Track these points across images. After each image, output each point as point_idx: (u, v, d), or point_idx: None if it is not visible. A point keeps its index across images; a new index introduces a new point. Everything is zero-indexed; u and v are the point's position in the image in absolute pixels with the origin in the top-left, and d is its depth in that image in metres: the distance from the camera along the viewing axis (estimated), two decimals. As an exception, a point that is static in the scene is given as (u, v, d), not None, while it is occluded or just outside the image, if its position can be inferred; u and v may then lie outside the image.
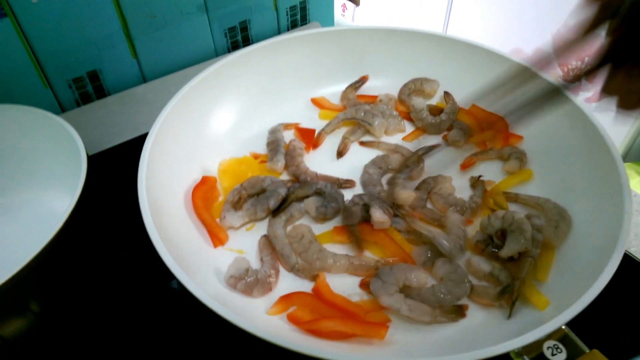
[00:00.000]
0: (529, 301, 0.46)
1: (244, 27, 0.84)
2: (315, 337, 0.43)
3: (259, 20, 0.85)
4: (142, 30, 0.74)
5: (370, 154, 0.62)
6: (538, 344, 0.40)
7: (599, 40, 0.40)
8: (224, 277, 0.48)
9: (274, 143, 0.62)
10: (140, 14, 0.72)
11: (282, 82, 0.68)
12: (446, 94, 0.67)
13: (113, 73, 0.76)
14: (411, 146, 0.62)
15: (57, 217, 0.46)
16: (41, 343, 0.49)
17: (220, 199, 0.57)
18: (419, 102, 0.66)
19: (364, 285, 0.49)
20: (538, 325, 0.40)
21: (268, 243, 0.52)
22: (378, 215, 0.51)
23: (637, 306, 0.50)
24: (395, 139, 0.64)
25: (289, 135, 0.65)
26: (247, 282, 0.47)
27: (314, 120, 0.67)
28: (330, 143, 0.65)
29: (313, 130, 0.65)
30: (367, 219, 0.52)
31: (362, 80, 0.70)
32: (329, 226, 0.54)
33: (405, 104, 0.67)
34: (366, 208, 0.53)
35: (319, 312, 0.45)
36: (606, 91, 0.40)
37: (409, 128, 0.66)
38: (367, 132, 0.65)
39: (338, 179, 0.59)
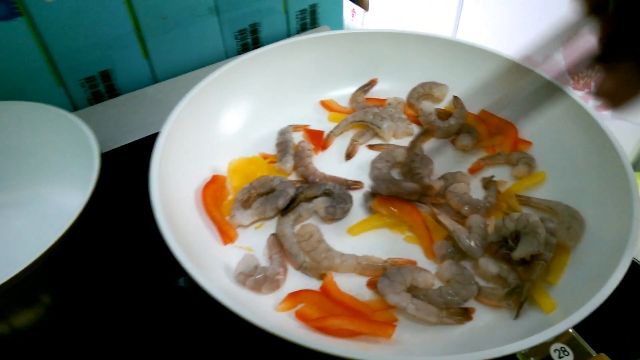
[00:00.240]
0: (536, 303, 0.46)
1: (254, 29, 0.85)
2: (323, 334, 0.43)
3: (269, 23, 0.86)
4: (154, 32, 0.75)
5: (377, 157, 0.63)
6: (545, 346, 0.40)
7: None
8: (233, 273, 0.49)
9: (283, 144, 0.62)
10: (152, 15, 0.73)
11: (291, 84, 0.69)
12: (455, 98, 0.67)
13: (125, 73, 0.77)
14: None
15: (69, 212, 0.47)
16: (51, 334, 0.50)
17: (230, 197, 0.57)
18: (427, 106, 0.66)
19: (371, 284, 0.49)
20: (544, 327, 0.40)
21: (276, 241, 0.53)
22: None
23: (644, 311, 0.51)
24: (404, 142, 0.65)
25: (297, 137, 0.65)
26: (256, 279, 0.48)
27: (322, 123, 0.67)
28: (339, 145, 0.65)
29: (322, 132, 0.65)
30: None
31: (371, 83, 0.71)
32: (338, 226, 0.55)
33: (414, 108, 0.68)
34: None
35: (327, 310, 0.46)
36: (600, 93, 0.40)
37: (417, 131, 0.66)
38: (376, 135, 0.65)
39: (346, 180, 0.59)
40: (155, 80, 0.80)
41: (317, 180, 0.58)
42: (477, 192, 0.58)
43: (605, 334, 0.46)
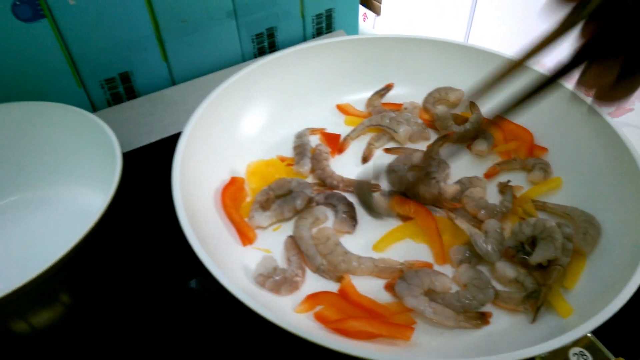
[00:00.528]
0: (552, 308, 0.46)
1: (271, 33, 0.86)
2: (342, 336, 0.44)
3: (285, 27, 0.86)
4: (173, 35, 0.76)
5: (393, 160, 0.63)
6: (564, 350, 0.41)
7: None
8: (252, 275, 0.49)
9: (300, 147, 0.63)
10: (172, 18, 0.74)
11: (308, 88, 0.69)
12: (472, 103, 0.68)
13: (144, 75, 0.78)
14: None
15: (90, 212, 0.48)
16: (69, 333, 0.51)
17: (248, 199, 0.58)
18: (443, 110, 0.67)
19: (389, 287, 0.49)
20: (561, 331, 0.41)
21: (294, 243, 0.53)
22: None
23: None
24: (420, 146, 0.65)
25: (314, 140, 0.66)
26: (276, 280, 0.48)
27: (339, 126, 0.68)
28: (355, 149, 0.66)
29: (338, 136, 0.66)
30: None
31: (387, 87, 0.71)
32: (362, 242, 0.55)
33: (429, 113, 0.68)
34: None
35: (345, 312, 0.46)
36: (581, 83, 0.43)
37: (433, 136, 0.67)
38: (392, 139, 0.66)
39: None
40: (173, 82, 0.81)
41: (335, 182, 0.59)
42: (492, 197, 0.58)
43: (624, 338, 0.46)
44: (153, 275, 0.56)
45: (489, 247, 0.50)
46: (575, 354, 0.40)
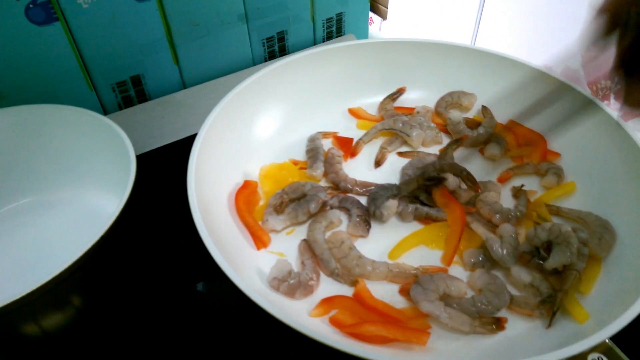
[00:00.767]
0: (568, 313, 0.46)
1: (281, 37, 0.86)
2: (357, 340, 0.44)
3: (296, 31, 0.87)
4: (185, 38, 0.76)
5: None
6: (582, 356, 0.40)
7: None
8: (267, 278, 0.49)
9: (313, 150, 0.63)
10: (184, 22, 0.75)
11: (321, 92, 0.69)
12: (484, 108, 0.68)
13: (155, 78, 0.78)
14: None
15: (102, 215, 0.48)
16: (80, 337, 0.51)
17: (262, 203, 0.58)
18: (456, 115, 0.67)
19: (404, 291, 0.49)
20: (578, 337, 0.40)
21: (308, 247, 0.53)
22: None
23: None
24: (432, 150, 0.65)
25: (327, 144, 0.66)
26: (290, 284, 0.48)
27: (351, 130, 0.68)
28: (368, 152, 0.66)
29: (351, 139, 0.66)
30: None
31: (400, 91, 0.71)
32: (377, 247, 0.54)
33: (442, 117, 0.68)
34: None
35: (360, 316, 0.46)
36: (628, 103, 0.40)
37: (445, 140, 0.67)
38: (405, 142, 0.66)
39: (377, 185, 0.60)
40: (184, 85, 0.82)
41: (349, 186, 0.59)
42: (506, 201, 0.58)
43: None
44: (162, 278, 0.56)
45: (504, 252, 0.50)
46: (594, 359, 0.40)
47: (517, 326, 0.47)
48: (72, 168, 0.61)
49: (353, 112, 0.70)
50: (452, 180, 0.56)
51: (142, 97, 0.79)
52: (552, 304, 0.46)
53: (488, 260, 0.51)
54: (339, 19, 0.90)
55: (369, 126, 0.67)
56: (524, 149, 0.63)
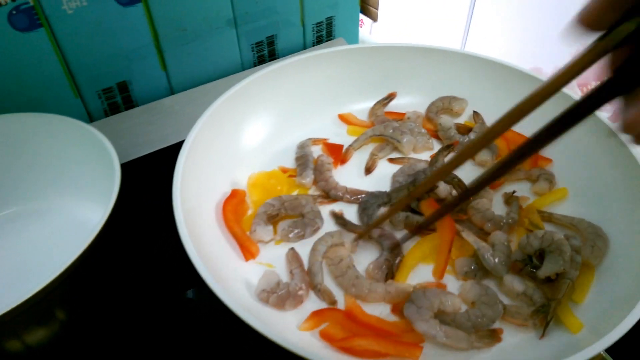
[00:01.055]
0: (561, 323, 0.45)
1: (271, 41, 0.85)
2: (348, 355, 0.43)
3: (285, 35, 0.86)
4: (172, 43, 0.75)
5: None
6: (576, 368, 0.40)
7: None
8: (255, 291, 0.48)
9: (302, 158, 0.62)
10: (172, 27, 0.74)
11: (310, 97, 0.68)
12: (475, 113, 0.67)
13: (142, 84, 0.77)
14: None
15: (88, 224, 0.47)
16: (65, 351, 0.50)
17: (250, 212, 0.57)
18: (446, 120, 0.66)
19: (397, 310, 0.48)
20: (572, 347, 0.40)
21: (296, 256, 0.52)
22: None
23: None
24: (424, 156, 0.64)
25: (316, 151, 0.65)
26: (279, 295, 0.47)
27: (341, 136, 0.67)
28: (358, 159, 0.65)
29: (341, 146, 0.65)
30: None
31: (390, 96, 0.71)
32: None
33: (432, 122, 0.68)
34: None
35: (351, 329, 0.45)
36: (626, 128, 0.34)
37: (436, 146, 0.66)
38: (395, 149, 0.65)
39: (367, 193, 0.59)
40: (171, 91, 0.80)
41: (339, 194, 0.58)
42: (497, 208, 0.57)
43: (635, 354, 0.45)
44: (150, 286, 0.55)
45: (497, 261, 0.49)
46: (588, 372, 0.39)
47: (511, 337, 0.46)
48: (56, 177, 0.60)
49: (343, 118, 0.69)
50: (443, 188, 0.56)
51: (129, 103, 0.78)
52: (545, 313, 0.45)
53: (480, 269, 0.51)
54: (329, 23, 0.89)
55: (359, 132, 0.66)
56: (515, 155, 0.62)
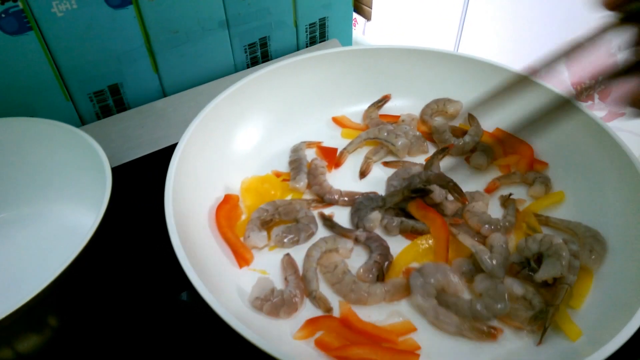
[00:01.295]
0: (559, 329, 0.45)
1: (264, 43, 0.84)
2: (344, 363, 0.42)
3: (278, 37, 0.85)
4: (164, 46, 0.74)
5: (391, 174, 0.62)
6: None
7: (611, 56, 0.38)
8: (249, 298, 0.48)
9: (296, 162, 0.61)
10: (163, 29, 0.73)
11: (304, 100, 0.68)
12: (470, 116, 0.66)
13: (134, 87, 0.76)
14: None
15: (79, 229, 0.46)
16: (57, 358, 0.49)
17: (243, 217, 0.56)
18: (441, 123, 0.65)
19: (407, 274, 0.49)
20: (569, 355, 0.40)
21: (291, 262, 0.52)
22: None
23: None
24: (419, 160, 0.64)
25: (310, 154, 0.64)
26: (273, 302, 0.46)
27: (335, 139, 0.67)
28: (352, 162, 0.64)
29: (335, 149, 0.64)
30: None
31: (385, 99, 0.70)
32: None
33: (427, 125, 0.67)
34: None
35: (347, 337, 0.44)
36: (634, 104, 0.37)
37: (431, 149, 0.65)
38: (390, 152, 0.64)
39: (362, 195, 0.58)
40: (164, 94, 0.79)
41: (334, 197, 0.57)
42: (493, 211, 0.57)
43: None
44: (144, 289, 0.54)
45: (495, 263, 0.49)
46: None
47: (508, 343, 0.46)
48: (46, 182, 0.59)
49: (337, 121, 0.69)
50: (438, 192, 0.55)
51: (121, 106, 0.77)
52: (543, 320, 0.45)
53: (477, 271, 0.50)
54: (322, 23, 0.88)
55: (353, 135, 0.66)
56: (511, 158, 0.62)
